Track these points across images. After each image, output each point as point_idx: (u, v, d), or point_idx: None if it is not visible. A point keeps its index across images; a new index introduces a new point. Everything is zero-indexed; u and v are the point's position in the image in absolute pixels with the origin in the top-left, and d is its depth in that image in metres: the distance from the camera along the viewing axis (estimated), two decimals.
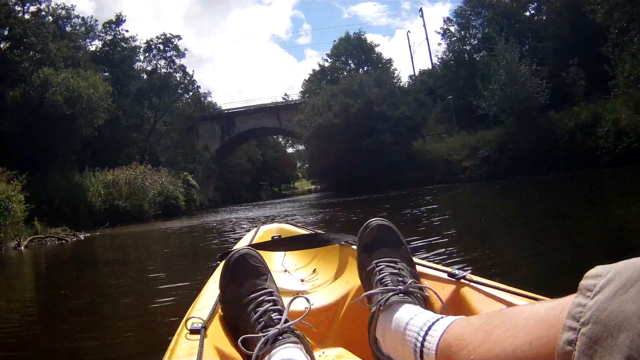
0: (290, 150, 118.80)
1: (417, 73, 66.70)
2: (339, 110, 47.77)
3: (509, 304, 1.72)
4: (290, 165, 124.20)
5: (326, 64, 71.17)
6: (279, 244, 3.02)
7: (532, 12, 52.21)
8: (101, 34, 56.81)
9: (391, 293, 1.85)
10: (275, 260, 3.15)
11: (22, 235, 21.23)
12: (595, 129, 29.88)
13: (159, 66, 60.45)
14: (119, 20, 57.10)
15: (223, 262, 2.10)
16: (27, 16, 38.74)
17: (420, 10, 68.69)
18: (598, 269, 0.98)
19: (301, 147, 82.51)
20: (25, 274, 12.50)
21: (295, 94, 77.07)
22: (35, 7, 40.60)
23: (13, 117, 32.26)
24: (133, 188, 35.64)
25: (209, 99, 68.14)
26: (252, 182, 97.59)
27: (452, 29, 57.70)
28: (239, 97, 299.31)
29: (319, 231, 3.36)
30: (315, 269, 2.98)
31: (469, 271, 2.03)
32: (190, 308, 2.01)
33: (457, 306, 1.93)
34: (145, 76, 60.68)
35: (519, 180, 28.74)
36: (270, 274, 2.05)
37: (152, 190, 37.14)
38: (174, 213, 38.37)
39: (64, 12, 49.56)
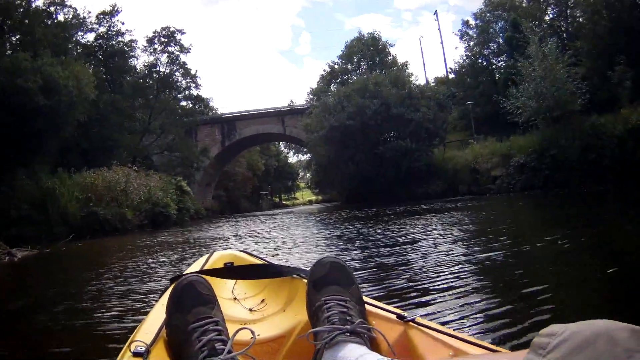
0: (292, 159, 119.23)
1: (429, 81, 63.49)
2: (354, 112, 43.85)
3: (457, 351, 1.73)
4: (292, 174, 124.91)
5: (336, 67, 67.49)
6: (230, 272, 2.91)
7: (551, 15, 50.55)
8: (95, 25, 52.38)
9: (337, 332, 1.86)
10: (225, 287, 3.11)
11: None
12: None
13: (159, 62, 56.61)
14: (114, 11, 52.63)
15: (172, 285, 2.20)
16: None
17: (435, 13, 65.62)
18: (553, 328, 1.02)
19: (304, 157, 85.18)
20: None
21: (300, 101, 73.73)
22: None
23: None
24: (115, 193, 30.76)
25: (210, 103, 64.18)
26: (253, 191, 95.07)
27: (471, 32, 55.54)
28: (239, 104, 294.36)
29: (272, 262, 3.15)
30: (264, 299, 2.98)
31: (419, 314, 2.08)
32: (136, 330, 2.05)
33: (404, 349, 1.95)
34: (142, 72, 56.98)
35: (561, 194, 25.42)
36: (218, 302, 2.11)
37: (138, 197, 32.13)
38: (163, 223, 33.70)
39: None
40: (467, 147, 43.25)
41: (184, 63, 56.74)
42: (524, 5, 52.25)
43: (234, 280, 3.16)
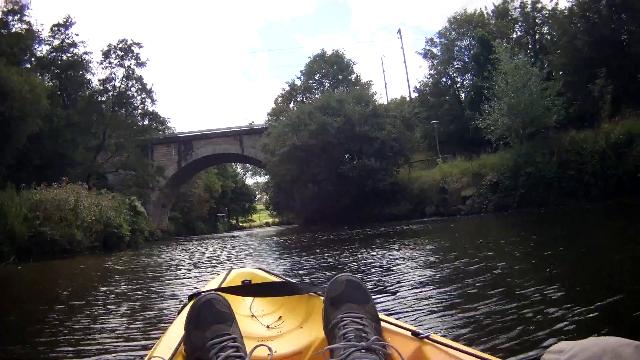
0: (249, 181, 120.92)
1: (390, 101, 62.26)
2: (316, 130, 42.28)
3: None
4: (250, 196, 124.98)
5: (297, 84, 66.22)
6: (248, 289, 2.98)
7: (519, 32, 49.80)
8: (49, 38, 50.52)
9: (353, 349, 1.86)
10: (243, 304, 3.14)
11: None
12: (633, 150, 25.09)
13: (115, 76, 54.17)
14: (68, 23, 50.83)
15: (191, 302, 2.25)
16: None
17: (399, 31, 64.50)
18: (562, 345, 1.09)
19: (261, 179, 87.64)
20: None
21: (258, 121, 72.42)
22: None
23: None
24: (64, 212, 28.11)
25: (168, 123, 62.32)
26: (210, 213, 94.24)
27: (435, 50, 54.92)
28: (196, 124, 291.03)
29: (288, 279, 3.24)
30: (281, 316, 2.98)
31: (433, 331, 2.07)
32: (154, 346, 2.11)
33: None
34: (97, 85, 54.56)
35: (539, 213, 24.76)
36: (236, 319, 2.15)
37: (88, 217, 29.53)
38: (116, 245, 31.52)
39: (15, 6, 43.54)
40: (434, 166, 42.03)
41: (140, 77, 54.82)
42: (491, 22, 51.90)
43: (251, 298, 3.18)
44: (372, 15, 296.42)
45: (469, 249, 12.20)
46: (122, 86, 54.08)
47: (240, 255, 18.66)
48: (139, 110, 56.45)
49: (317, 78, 65.75)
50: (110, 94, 53.88)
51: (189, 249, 26.49)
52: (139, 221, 38.94)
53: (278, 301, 3.12)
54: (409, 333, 2.07)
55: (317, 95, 58.26)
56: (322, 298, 2.49)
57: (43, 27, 49.97)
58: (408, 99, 60.26)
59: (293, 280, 3.21)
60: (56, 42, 50.33)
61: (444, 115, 49.82)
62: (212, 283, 3.22)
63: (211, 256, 19.36)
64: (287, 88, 68.03)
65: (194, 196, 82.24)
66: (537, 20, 47.12)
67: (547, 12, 45.62)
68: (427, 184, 38.06)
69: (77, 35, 51.42)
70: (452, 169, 36.85)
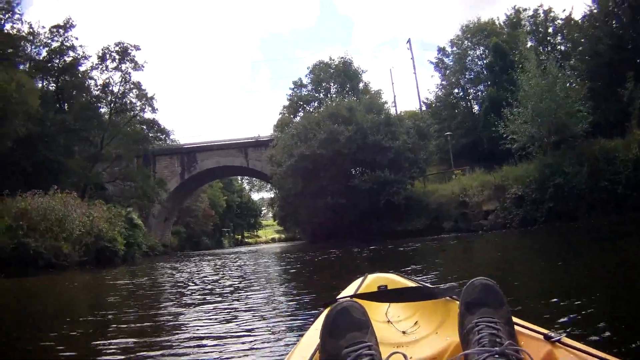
0: (255, 196, 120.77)
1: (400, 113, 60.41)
2: (326, 139, 40.01)
3: None
4: (255, 212, 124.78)
5: (304, 93, 64.46)
6: (384, 295, 2.95)
7: (532, 43, 47.28)
8: (47, 40, 49.25)
9: (487, 354, 1.87)
10: (379, 310, 3.06)
11: None
12: None
13: (111, 80, 52.18)
14: (68, 25, 49.33)
15: (327, 310, 2.25)
16: None
17: (409, 41, 61.86)
18: None
19: (267, 195, 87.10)
20: None
21: (263, 134, 70.34)
22: None
23: None
24: (50, 222, 25.92)
25: (172, 135, 60.30)
26: (214, 228, 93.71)
27: (447, 60, 53.47)
28: (200, 137, 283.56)
29: (424, 284, 3.17)
30: (417, 322, 2.92)
31: (565, 334, 2.11)
32: (289, 355, 2.20)
33: None
34: (95, 91, 52.60)
35: (571, 227, 23.41)
36: (372, 326, 2.12)
37: (78, 228, 27.22)
38: (110, 260, 29.44)
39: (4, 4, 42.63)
40: (449, 180, 40.50)
41: (138, 83, 52.88)
42: (505, 31, 50.78)
43: (387, 303, 3.05)
44: (373, 29, 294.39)
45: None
46: (120, 92, 52.42)
47: (262, 279, 14.65)
48: (139, 117, 54.69)
49: (324, 85, 63.87)
50: (109, 99, 52.22)
51: (191, 268, 22.97)
52: (136, 235, 37.09)
53: (414, 306, 2.95)
54: (541, 336, 2.06)
55: (324, 104, 56.13)
56: (457, 302, 2.32)
57: (45, 30, 49.19)
58: (419, 110, 58.29)
59: (429, 285, 3.09)
60: (55, 45, 49.14)
61: (456, 127, 48.89)
62: (348, 289, 3.10)
63: (226, 279, 15.58)
64: (294, 96, 66.20)
65: (199, 210, 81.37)
66: (549, 30, 46.68)
67: (559, 21, 45.45)
68: (445, 197, 36.19)
69: (77, 39, 49.85)
70: (471, 182, 35.00)
